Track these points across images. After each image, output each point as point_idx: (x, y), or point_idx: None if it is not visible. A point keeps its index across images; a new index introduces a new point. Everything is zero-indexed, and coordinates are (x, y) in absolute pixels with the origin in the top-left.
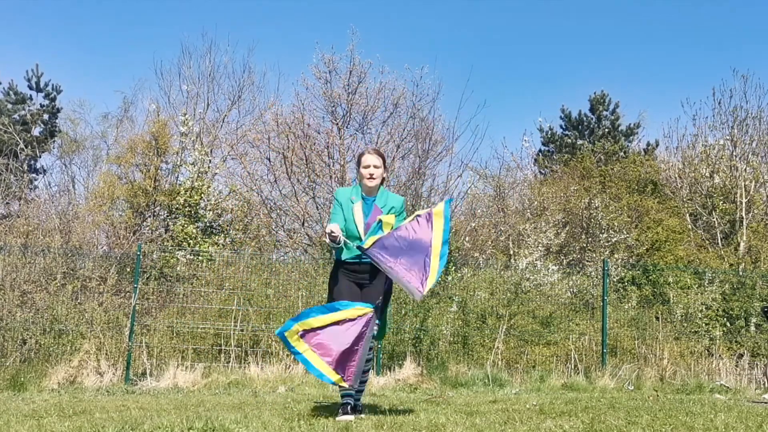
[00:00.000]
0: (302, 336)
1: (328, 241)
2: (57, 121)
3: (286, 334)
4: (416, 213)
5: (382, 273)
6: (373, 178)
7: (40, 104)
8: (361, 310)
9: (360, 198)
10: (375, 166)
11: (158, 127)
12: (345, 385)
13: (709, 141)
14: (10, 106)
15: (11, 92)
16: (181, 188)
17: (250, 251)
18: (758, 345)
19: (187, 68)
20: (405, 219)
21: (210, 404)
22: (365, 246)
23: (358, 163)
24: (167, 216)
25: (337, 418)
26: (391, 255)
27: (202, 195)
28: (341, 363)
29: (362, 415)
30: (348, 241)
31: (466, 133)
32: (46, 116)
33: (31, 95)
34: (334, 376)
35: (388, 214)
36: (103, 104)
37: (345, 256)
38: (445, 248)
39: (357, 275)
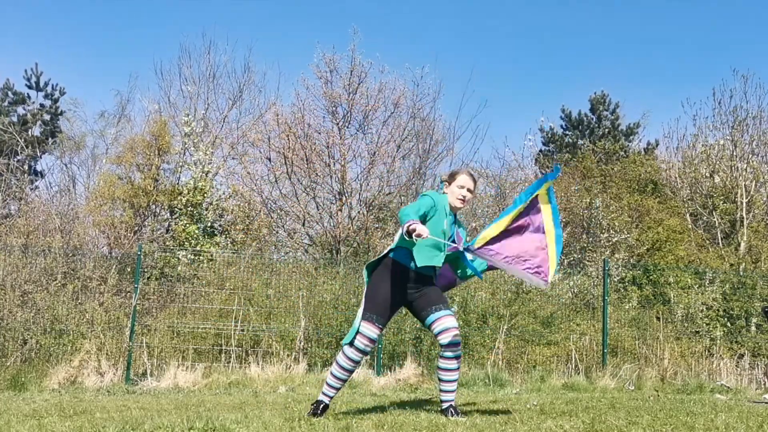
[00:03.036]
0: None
1: (407, 235)
2: (59, 121)
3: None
4: (519, 205)
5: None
6: (465, 202)
7: (41, 104)
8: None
9: (446, 208)
10: (469, 190)
11: (159, 127)
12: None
13: (709, 141)
14: (8, 105)
15: (9, 91)
16: (184, 188)
17: (251, 251)
18: (759, 345)
19: (187, 68)
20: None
21: (210, 404)
22: (475, 246)
23: (452, 178)
24: (169, 216)
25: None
26: (505, 251)
27: (205, 195)
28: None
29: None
30: (442, 240)
31: (467, 133)
32: (47, 116)
33: (29, 94)
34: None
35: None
36: (100, 103)
37: (420, 263)
38: (558, 230)
39: (417, 285)
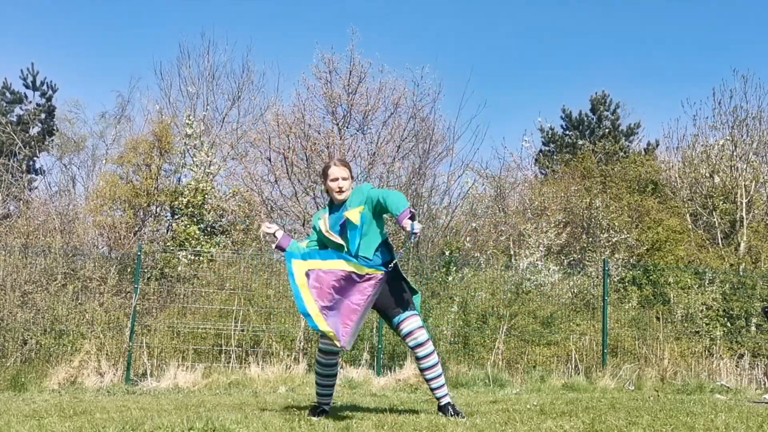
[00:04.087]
0: (307, 274)
1: (270, 244)
2: (54, 120)
3: (294, 261)
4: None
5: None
6: (343, 191)
7: (37, 103)
8: (372, 271)
9: (327, 211)
10: (343, 178)
11: (162, 128)
12: (337, 343)
13: (709, 141)
14: (6, 105)
15: (7, 91)
16: (186, 189)
17: (251, 251)
18: (759, 345)
19: (187, 68)
20: (378, 194)
21: (210, 404)
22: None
23: (325, 176)
24: (170, 217)
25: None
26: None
27: (206, 196)
28: (335, 315)
29: (462, 419)
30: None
31: (467, 134)
32: (42, 115)
33: (26, 94)
34: (323, 326)
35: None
36: (99, 104)
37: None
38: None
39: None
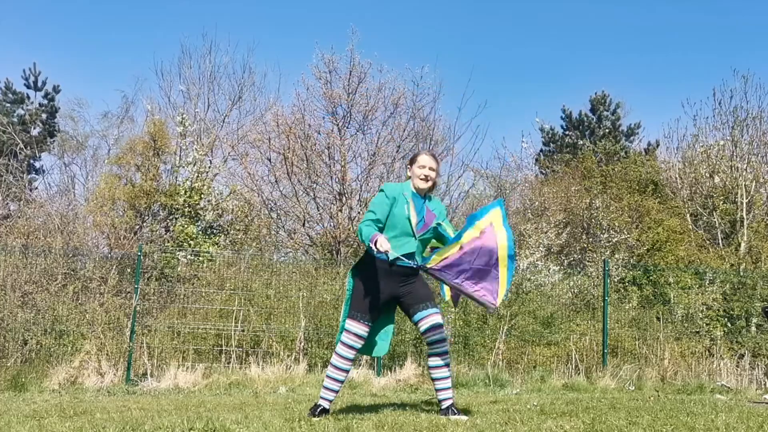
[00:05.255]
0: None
1: (375, 251)
2: (56, 120)
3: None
4: (477, 226)
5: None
6: (429, 180)
7: (39, 104)
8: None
9: (411, 195)
10: (431, 168)
11: (156, 128)
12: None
13: (709, 141)
14: (8, 105)
15: (9, 92)
16: (181, 188)
17: (251, 252)
18: (759, 345)
19: (188, 69)
20: (450, 226)
21: (211, 405)
22: (429, 265)
23: (412, 162)
24: (167, 216)
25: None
26: (457, 273)
27: (202, 195)
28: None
29: (462, 417)
30: (401, 257)
31: (467, 134)
32: (44, 116)
33: (28, 94)
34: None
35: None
36: (102, 103)
37: (392, 256)
38: (511, 263)
39: (401, 278)
